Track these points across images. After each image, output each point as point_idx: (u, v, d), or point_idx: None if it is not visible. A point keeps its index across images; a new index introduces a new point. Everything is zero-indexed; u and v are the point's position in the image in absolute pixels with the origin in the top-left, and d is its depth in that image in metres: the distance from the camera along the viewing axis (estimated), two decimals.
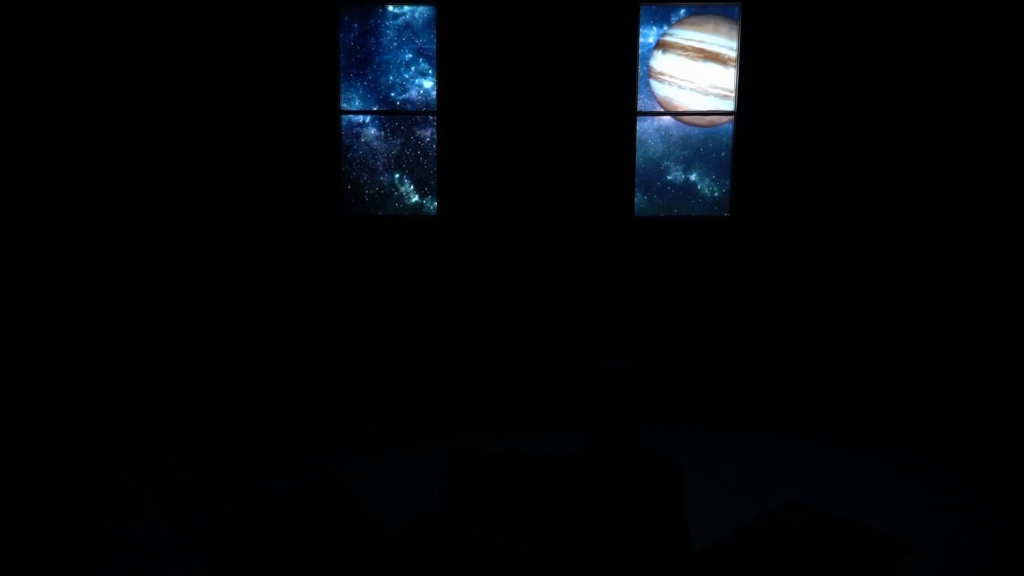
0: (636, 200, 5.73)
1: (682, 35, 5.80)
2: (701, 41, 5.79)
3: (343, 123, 5.86)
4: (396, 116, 5.78)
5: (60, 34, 4.63)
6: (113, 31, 5.28)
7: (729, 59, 5.75)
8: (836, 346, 5.92)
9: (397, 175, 5.90)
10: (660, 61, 5.83)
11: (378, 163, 5.81)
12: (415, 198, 6.00)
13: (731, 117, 5.82)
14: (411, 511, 4.31)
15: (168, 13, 5.52)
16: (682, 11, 5.79)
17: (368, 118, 5.84)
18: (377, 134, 5.90)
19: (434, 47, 5.76)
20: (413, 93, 5.90)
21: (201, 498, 4.46)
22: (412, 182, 5.91)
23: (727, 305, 5.88)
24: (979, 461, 4.72)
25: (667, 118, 5.89)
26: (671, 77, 5.79)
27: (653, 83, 5.86)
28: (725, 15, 5.76)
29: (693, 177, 5.83)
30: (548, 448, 5.20)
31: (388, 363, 5.97)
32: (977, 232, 4.75)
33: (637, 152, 5.88)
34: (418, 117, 5.80)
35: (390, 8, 5.76)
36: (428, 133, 5.88)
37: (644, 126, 5.76)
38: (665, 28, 5.83)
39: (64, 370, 4.73)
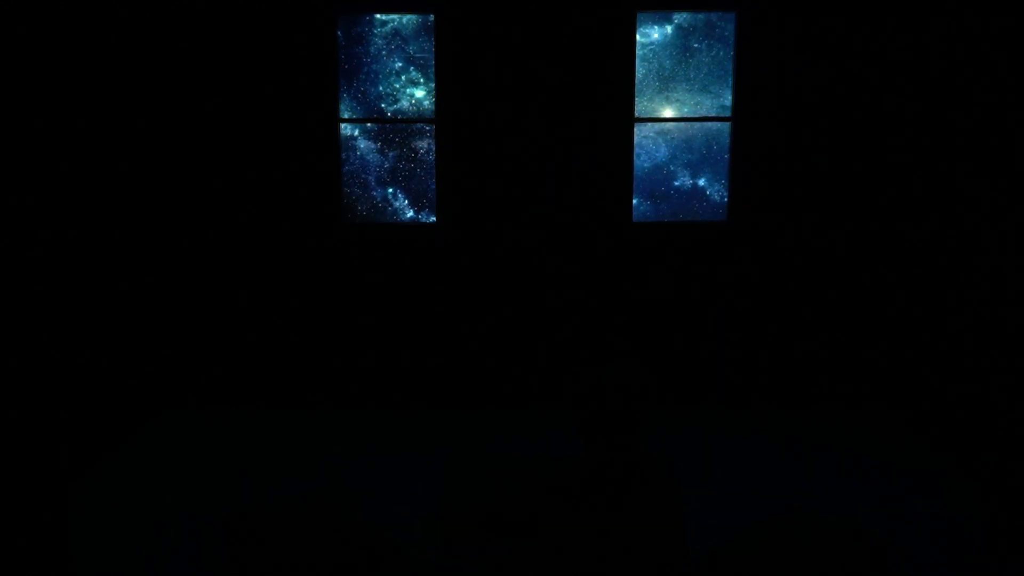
0: (643, 207, 5.70)
1: None
2: None
3: None
4: (392, 126, 5.75)
5: (64, 54, 4.62)
6: (113, 42, 5.27)
7: None
8: (833, 349, 5.91)
9: (391, 190, 5.85)
10: None
11: (370, 177, 5.77)
12: (410, 213, 5.95)
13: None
14: (411, 517, 4.36)
15: (167, 19, 5.52)
16: None
17: (358, 132, 5.80)
18: (369, 147, 5.84)
19: (425, 55, 5.73)
20: (405, 103, 5.84)
21: (201, 506, 4.51)
22: (407, 196, 5.86)
23: (725, 310, 5.86)
24: (974, 461, 4.70)
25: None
26: None
27: None
28: None
29: (702, 182, 5.81)
30: (547, 453, 5.23)
31: (387, 370, 5.94)
32: (974, 233, 4.72)
33: (646, 158, 5.86)
34: (413, 128, 5.77)
35: (377, 15, 5.73)
36: (424, 144, 5.82)
37: (646, 130, 5.74)
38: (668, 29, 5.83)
39: (65, 379, 4.70)
